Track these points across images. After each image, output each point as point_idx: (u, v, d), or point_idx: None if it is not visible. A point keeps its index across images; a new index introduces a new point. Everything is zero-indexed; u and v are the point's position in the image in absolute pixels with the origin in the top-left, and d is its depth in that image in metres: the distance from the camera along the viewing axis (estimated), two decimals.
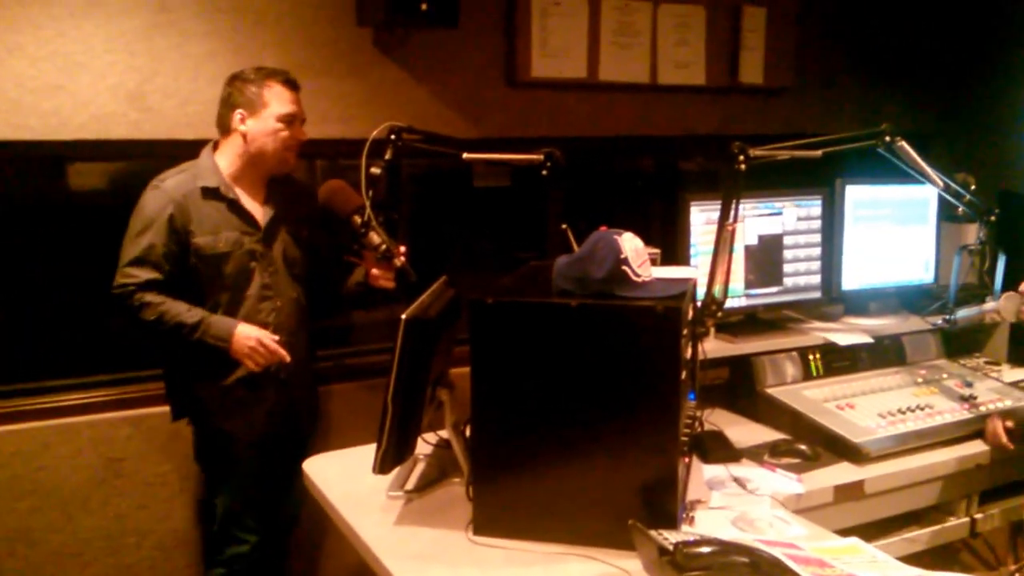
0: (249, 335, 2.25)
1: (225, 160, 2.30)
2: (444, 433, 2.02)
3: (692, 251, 2.54)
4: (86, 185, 2.84)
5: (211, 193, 2.27)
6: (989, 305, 2.57)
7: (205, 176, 2.27)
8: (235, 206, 2.29)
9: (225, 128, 2.31)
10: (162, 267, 2.22)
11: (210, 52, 2.62)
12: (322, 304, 2.54)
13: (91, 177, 2.82)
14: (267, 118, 2.27)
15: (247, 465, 2.38)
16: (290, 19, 2.73)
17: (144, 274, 2.20)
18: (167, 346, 2.33)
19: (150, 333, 2.23)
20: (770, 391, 2.47)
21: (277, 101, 2.28)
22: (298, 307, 2.42)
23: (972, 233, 2.82)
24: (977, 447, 2.34)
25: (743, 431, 2.37)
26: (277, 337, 2.29)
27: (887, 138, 2.33)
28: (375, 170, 2.10)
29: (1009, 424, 2.31)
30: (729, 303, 2.31)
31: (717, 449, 2.18)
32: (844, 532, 1.85)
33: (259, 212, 2.34)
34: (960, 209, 2.52)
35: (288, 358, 2.29)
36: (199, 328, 2.22)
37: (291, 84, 2.31)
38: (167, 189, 2.23)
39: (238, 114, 2.27)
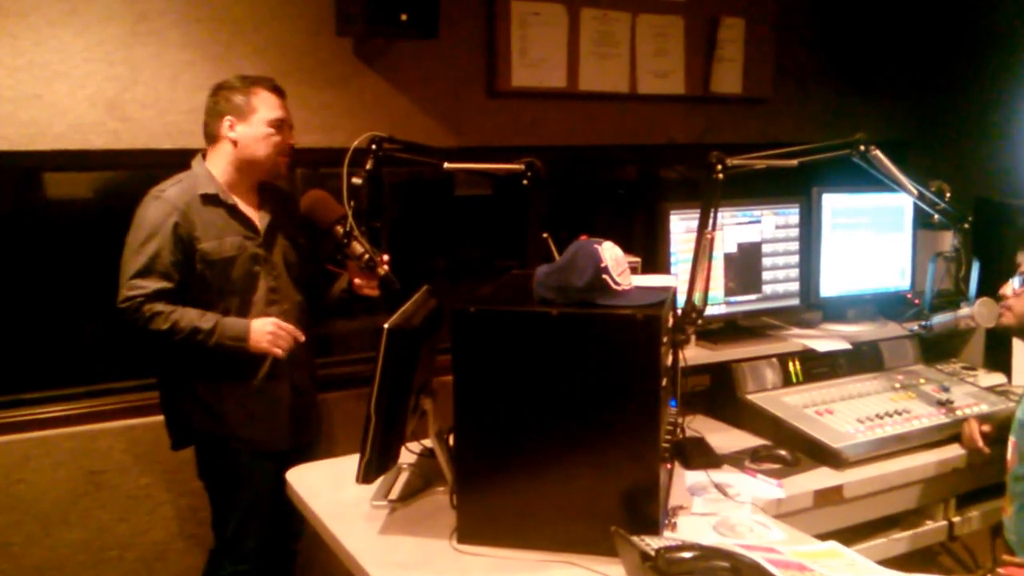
0: (265, 323, 2.24)
1: (216, 169, 2.29)
2: (428, 442, 2.02)
3: (672, 259, 2.56)
4: (64, 195, 2.82)
5: (211, 199, 2.26)
6: (964, 311, 2.61)
7: (203, 184, 2.26)
8: (235, 211, 2.29)
9: (213, 137, 2.30)
10: (170, 276, 2.19)
11: (189, 61, 2.62)
12: (315, 311, 2.52)
13: (69, 187, 2.80)
14: (257, 123, 2.27)
15: (260, 478, 2.34)
16: (269, 29, 2.73)
17: (152, 284, 2.17)
18: (177, 360, 2.28)
19: (162, 344, 2.19)
20: (750, 397, 2.49)
21: (266, 106, 2.28)
22: (302, 311, 2.42)
23: (947, 240, 2.87)
24: (954, 451, 2.37)
25: (724, 437, 2.39)
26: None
27: (861, 147, 2.36)
28: (356, 180, 2.10)
29: (985, 428, 2.34)
30: (709, 310, 2.34)
31: (698, 455, 2.19)
32: (824, 536, 1.87)
33: (256, 217, 2.34)
34: (935, 216, 2.56)
35: (303, 336, 2.29)
36: (215, 332, 2.18)
37: (278, 91, 2.32)
38: (169, 198, 2.21)
39: (227, 121, 2.26)
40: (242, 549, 2.37)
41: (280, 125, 2.30)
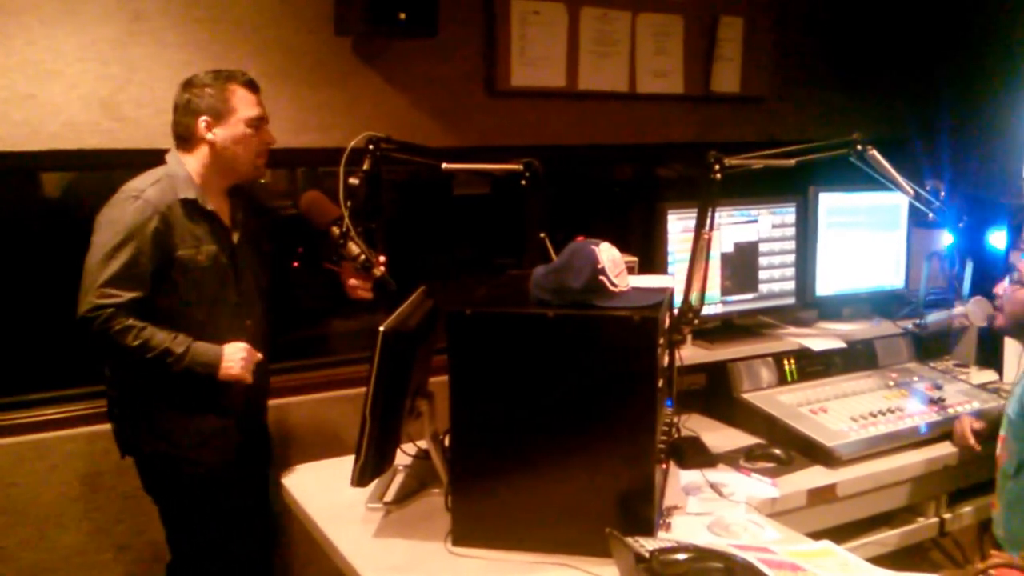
0: (237, 349, 2.15)
1: (192, 170, 2.17)
2: (423, 444, 2.03)
3: (669, 259, 2.57)
4: (57, 196, 2.80)
5: (191, 205, 2.14)
6: (958, 310, 2.63)
7: (183, 187, 2.13)
8: (213, 219, 2.19)
9: (188, 137, 2.16)
10: (145, 284, 2.06)
11: (186, 61, 2.60)
12: (281, 314, 2.46)
13: (64, 188, 2.78)
14: (236, 124, 2.14)
15: (211, 496, 2.24)
16: (268, 28, 2.72)
17: (126, 293, 2.02)
18: (136, 375, 2.16)
19: (126, 358, 2.08)
20: (746, 396, 2.50)
21: (244, 105, 2.15)
22: (263, 322, 2.34)
23: (942, 239, 2.88)
24: (946, 449, 2.39)
25: (719, 436, 2.40)
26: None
27: (858, 147, 2.37)
28: (353, 180, 2.08)
29: (977, 426, 2.36)
30: (706, 310, 2.34)
31: (694, 455, 2.21)
32: (817, 535, 1.88)
33: (230, 225, 2.24)
34: (930, 216, 2.57)
35: (261, 355, 2.22)
36: (186, 356, 2.07)
37: (252, 86, 2.19)
38: (150, 200, 2.07)
39: (203, 121, 2.13)
40: (201, 567, 2.30)
41: (259, 124, 2.19)
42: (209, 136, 2.15)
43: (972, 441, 2.34)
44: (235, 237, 2.25)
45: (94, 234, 2.08)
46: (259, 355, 2.21)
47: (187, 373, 2.09)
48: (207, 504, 2.25)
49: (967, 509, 2.50)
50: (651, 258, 2.57)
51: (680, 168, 3.74)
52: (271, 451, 2.53)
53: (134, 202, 2.07)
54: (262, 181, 2.45)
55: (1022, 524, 2.03)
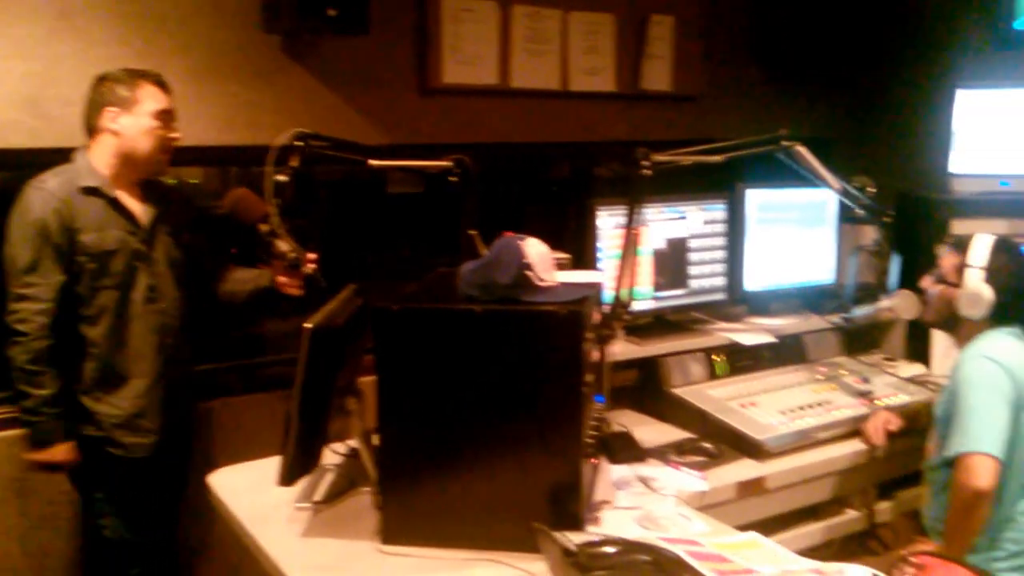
0: (55, 455, 2.20)
1: (99, 162, 2.24)
2: (353, 442, 2.01)
3: (599, 255, 2.58)
4: None
5: (92, 192, 2.21)
6: (884, 303, 2.69)
7: (84, 176, 2.22)
8: (117, 205, 2.25)
9: (94, 128, 2.24)
10: (62, 268, 2.16)
11: (112, 58, 2.55)
12: (206, 309, 2.48)
13: None
14: (141, 115, 2.23)
15: (131, 481, 2.31)
16: (194, 24, 2.68)
17: (46, 280, 2.14)
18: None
19: (6, 359, 2.15)
20: (676, 391, 2.53)
21: (151, 98, 2.24)
22: (180, 309, 2.38)
23: (869, 234, 2.95)
24: None
25: (650, 431, 2.42)
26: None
27: (784, 143, 2.41)
28: (281, 178, 2.07)
29: (892, 427, 2.38)
30: (637, 306, 2.37)
31: (624, 450, 2.22)
32: (746, 527, 1.90)
33: (140, 212, 2.30)
34: (857, 211, 2.62)
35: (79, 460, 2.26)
36: (37, 411, 2.15)
37: (163, 85, 2.28)
38: (51, 190, 2.17)
39: (109, 112, 2.21)
40: (123, 560, 2.34)
41: (164, 118, 2.26)
42: (114, 126, 2.23)
43: (879, 440, 2.36)
44: (146, 223, 2.30)
45: (7, 229, 2.17)
46: (75, 460, 2.24)
47: (23, 411, 2.16)
48: (131, 491, 2.31)
49: (895, 500, 2.55)
50: (585, 255, 2.58)
51: (615, 166, 3.77)
52: (193, 436, 2.55)
53: (38, 192, 2.18)
54: (192, 181, 2.42)
55: (942, 514, 2.08)
